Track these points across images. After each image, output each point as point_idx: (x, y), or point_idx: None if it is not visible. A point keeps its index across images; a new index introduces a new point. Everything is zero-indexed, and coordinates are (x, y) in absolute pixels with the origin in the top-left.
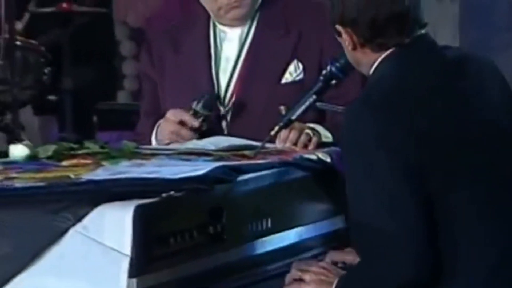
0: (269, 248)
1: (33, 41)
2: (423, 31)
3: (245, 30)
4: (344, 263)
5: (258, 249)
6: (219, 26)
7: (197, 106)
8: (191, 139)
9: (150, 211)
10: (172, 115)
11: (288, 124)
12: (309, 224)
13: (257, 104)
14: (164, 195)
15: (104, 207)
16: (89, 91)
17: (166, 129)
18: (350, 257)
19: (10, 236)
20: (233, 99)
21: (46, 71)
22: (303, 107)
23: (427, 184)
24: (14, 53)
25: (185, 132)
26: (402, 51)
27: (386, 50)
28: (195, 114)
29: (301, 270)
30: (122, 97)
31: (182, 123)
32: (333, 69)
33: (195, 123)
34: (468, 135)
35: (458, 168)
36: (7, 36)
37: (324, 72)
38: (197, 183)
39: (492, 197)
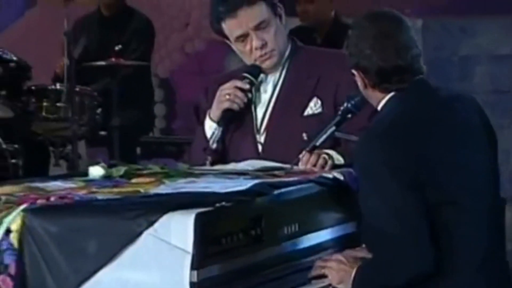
0: (297, 247)
1: (88, 88)
2: (421, 76)
3: (277, 75)
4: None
5: (289, 248)
6: (262, 74)
7: (246, 73)
8: (244, 98)
9: (207, 218)
10: (227, 84)
11: (313, 149)
12: (327, 228)
13: (285, 132)
14: (217, 205)
15: (171, 214)
16: (132, 128)
17: (223, 93)
18: (361, 254)
19: (96, 238)
20: (267, 128)
21: (98, 111)
22: (324, 136)
23: (425, 196)
24: (74, 97)
25: (239, 93)
26: (403, 93)
27: (390, 92)
28: (244, 79)
29: (324, 260)
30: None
31: (236, 88)
32: (349, 105)
33: (246, 86)
34: (454, 159)
35: (447, 185)
36: (69, 84)
37: (342, 108)
38: (242, 196)
39: (475, 209)
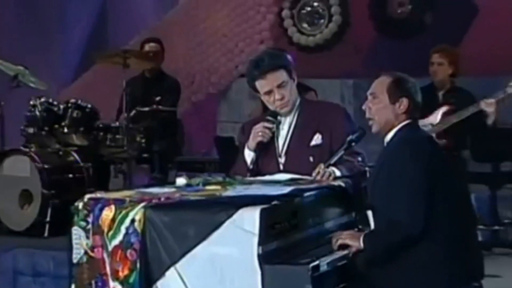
0: (318, 230)
1: (137, 125)
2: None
3: (291, 118)
4: None
5: (314, 231)
6: (279, 117)
7: (269, 117)
8: (270, 133)
9: (267, 211)
10: (259, 124)
11: (328, 166)
12: (334, 218)
13: (297, 156)
14: (272, 203)
15: (243, 209)
16: (166, 152)
17: (255, 131)
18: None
19: (193, 225)
20: (286, 154)
21: (143, 141)
22: (336, 157)
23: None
24: (128, 131)
25: (267, 130)
26: (412, 123)
27: (408, 120)
28: (268, 121)
29: (338, 233)
30: None
31: (264, 127)
32: (353, 138)
33: (270, 125)
34: (442, 172)
35: (438, 189)
36: (125, 123)
37: (348, 139)
38: (285, 197)
39: (452, 207)
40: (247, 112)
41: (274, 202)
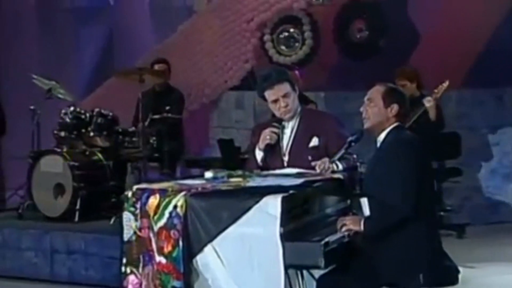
0: (324, 214)
1: (149, 129)
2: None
3: (293, 123)
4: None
5: (320, 214)
6: (283, 122)
7: (275, 123)
8: (276, 136)
9: (286, 199)
10: (267, 129)
11: (332, 162)
12: (334, 205)
13: (298, 156)
14: (290, 192)
15: (267, 197)
16: (174, 152)
17: (264, 135)
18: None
19: (226, 209)
20: (289, 154)
21: (154, 143)
22: (338, 155)
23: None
24: (144, 136)
25: (273, 134)
26: (401, 126)
27: (397, 122)
28: (274, 126)
29: (342, 218)
30: None
31: (271, 131)
32: (353, 138)
33: (276, 130)
34: (425, 165)
35: (424, 177)
36: (141, 128)
37: (348, 139)
38: (299, 187)
39: (431, 193)
40: (235, 119)
41: (291, 191)
